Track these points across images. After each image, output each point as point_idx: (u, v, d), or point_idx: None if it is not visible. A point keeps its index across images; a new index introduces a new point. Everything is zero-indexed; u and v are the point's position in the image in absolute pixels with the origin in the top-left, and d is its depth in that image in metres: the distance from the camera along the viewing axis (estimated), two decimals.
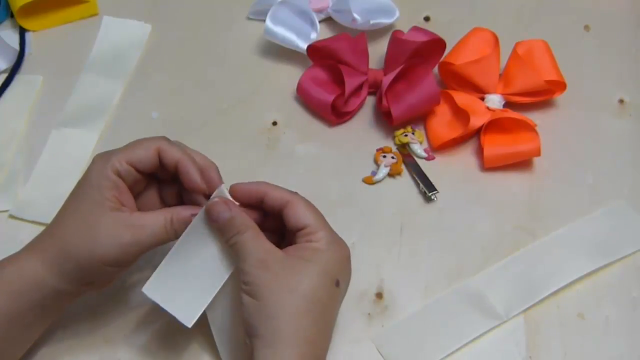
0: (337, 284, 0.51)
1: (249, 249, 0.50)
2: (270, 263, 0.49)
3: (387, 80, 0.67)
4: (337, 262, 0.51)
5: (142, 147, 0.52)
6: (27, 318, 0.52)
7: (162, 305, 0.52)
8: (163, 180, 0.56)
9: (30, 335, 0.54)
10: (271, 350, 0.48)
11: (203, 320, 0.58)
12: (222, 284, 0.52)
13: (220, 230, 0.51)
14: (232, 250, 0.51)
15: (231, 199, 0.53)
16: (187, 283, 0.52)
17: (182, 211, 0.52)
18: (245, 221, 0.51)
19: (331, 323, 0.52)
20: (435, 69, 0.70)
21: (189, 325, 0.52)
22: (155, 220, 0.51)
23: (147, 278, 0.60)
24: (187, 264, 0.52)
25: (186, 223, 0.52)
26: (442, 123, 0.69)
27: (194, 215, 0.52)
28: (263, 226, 0.52)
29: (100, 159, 0.53)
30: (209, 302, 0.52)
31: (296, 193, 0.53)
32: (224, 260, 0.52)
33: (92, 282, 0.52)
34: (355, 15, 0.73)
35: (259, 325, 0.48)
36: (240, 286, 0.50)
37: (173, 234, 0.52)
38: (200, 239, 0.52)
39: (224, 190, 0.53)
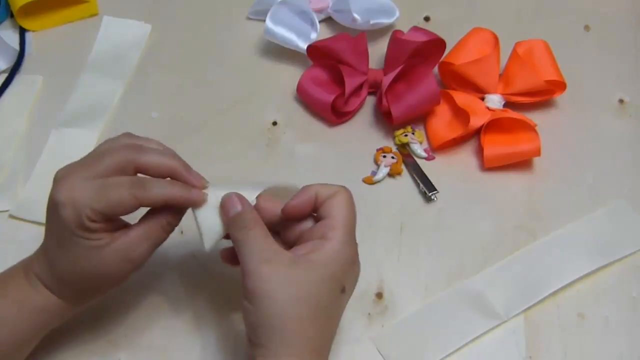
0: (343, 290, 0.49)
1: (254, 247, 0.48)
2: (275, 266, 0.47)
3: (387, 80, 0.67)
4: (345, 266, 0.49)
5: (114, 191, 0.48)
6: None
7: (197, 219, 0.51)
8: None
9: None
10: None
11: (203, 323, 0.58)
12: None
13: (228, 224, 0.50)
14: (235, 247, 0.49)
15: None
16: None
17: (155, 225, 0.50)
18: (254, 217, 0.49)
19: (334, 329, 0.51)
20: (435, 69, 0.70)
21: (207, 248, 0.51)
22: (137, 244, 0.50)
23: (148, 280, 0.60)
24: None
25: (160, 238, 0.51)
26: (442, 123, 0.69)
27: (168, 221, 0.50)
28: (276, 231, 0.52)
29: (69, 204, 0.48)
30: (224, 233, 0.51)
31: (344, 187, 0.52)
32: None
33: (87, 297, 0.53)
34: (355, 15, 0.73)
35: (260, 334, 0.47)
36: (241, 290, 0.48)
37: (160, 240, 0.51)
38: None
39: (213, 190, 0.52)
